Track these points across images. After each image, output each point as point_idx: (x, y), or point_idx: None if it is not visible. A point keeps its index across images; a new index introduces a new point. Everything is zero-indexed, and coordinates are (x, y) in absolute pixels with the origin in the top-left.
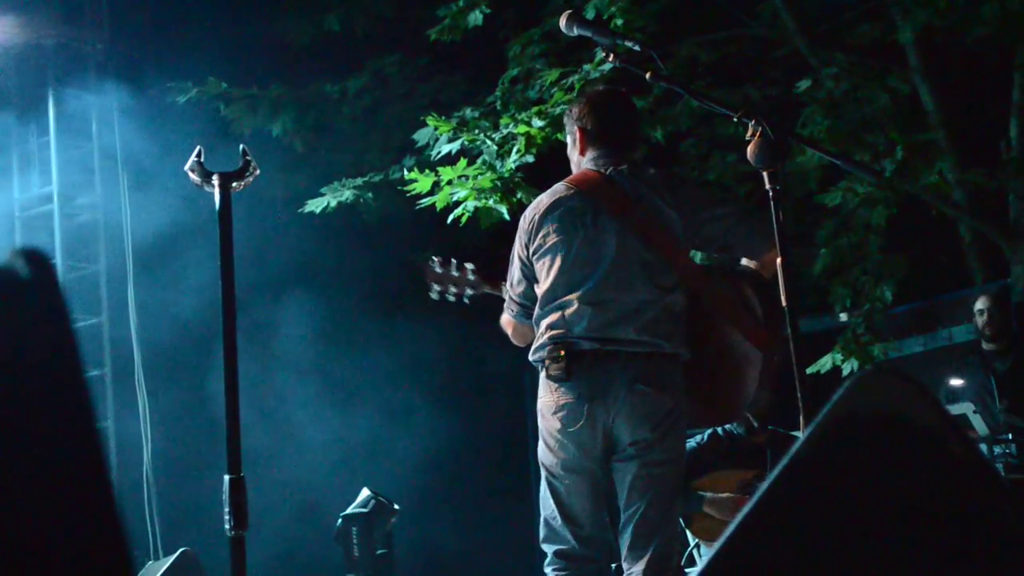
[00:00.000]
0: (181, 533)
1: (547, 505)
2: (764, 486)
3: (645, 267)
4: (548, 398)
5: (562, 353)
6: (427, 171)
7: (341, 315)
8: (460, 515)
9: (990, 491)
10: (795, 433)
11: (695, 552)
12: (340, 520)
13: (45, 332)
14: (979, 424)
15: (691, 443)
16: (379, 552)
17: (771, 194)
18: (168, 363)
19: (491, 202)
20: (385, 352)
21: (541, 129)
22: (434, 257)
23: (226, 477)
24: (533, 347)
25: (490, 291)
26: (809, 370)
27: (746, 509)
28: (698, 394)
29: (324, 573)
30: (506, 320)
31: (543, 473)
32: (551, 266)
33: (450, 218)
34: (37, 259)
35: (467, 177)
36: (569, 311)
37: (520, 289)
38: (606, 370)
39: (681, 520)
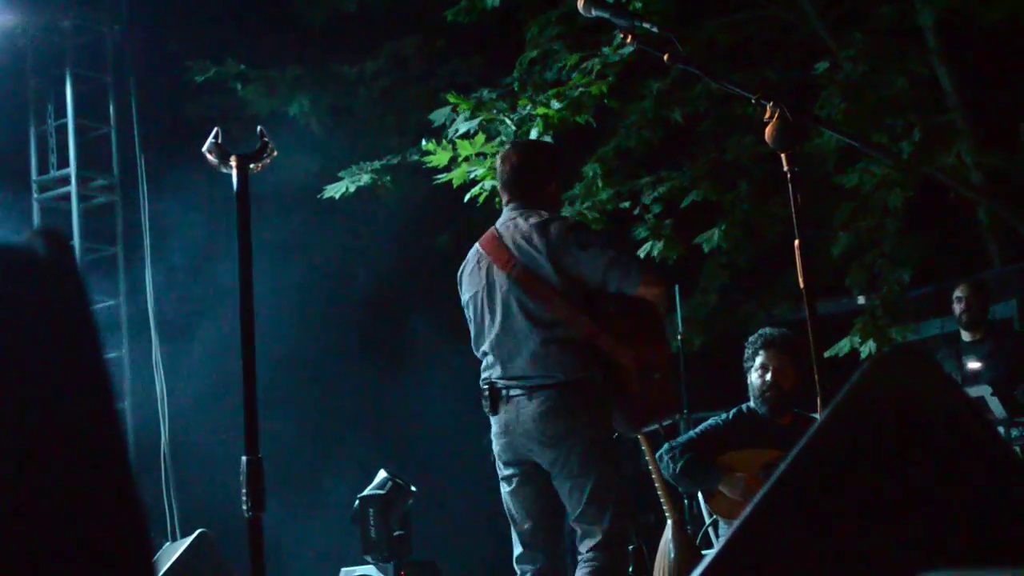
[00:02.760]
0: (198, 514)
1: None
2: (782, 467)
3: (525, 311)
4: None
5: (487, 394)
6: (445, 143)
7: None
8: (477, 496)
9: (1007, 472)
10: (815, 415)
11: (710, 531)
12: (357, 502)
13: (64, 314)
14: (996, 406)
15: (716, 420)
16: (396, 533)
17: (788, 176)
18: (185, 345)
19: None
20: (402, 342)
21: (559, 111)
22: None
23: (243, 458)
24: None
25: None
26: (827, 353)
27: (765, 489)
28: (633, 398)
29: (341, 555)
30: None
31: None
32: (471, 319)
33: (467, 196)
34: (56, 240)
35: (485, 155)
36: (487, 360)
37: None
38: (516, 404)
39: (700, 496)
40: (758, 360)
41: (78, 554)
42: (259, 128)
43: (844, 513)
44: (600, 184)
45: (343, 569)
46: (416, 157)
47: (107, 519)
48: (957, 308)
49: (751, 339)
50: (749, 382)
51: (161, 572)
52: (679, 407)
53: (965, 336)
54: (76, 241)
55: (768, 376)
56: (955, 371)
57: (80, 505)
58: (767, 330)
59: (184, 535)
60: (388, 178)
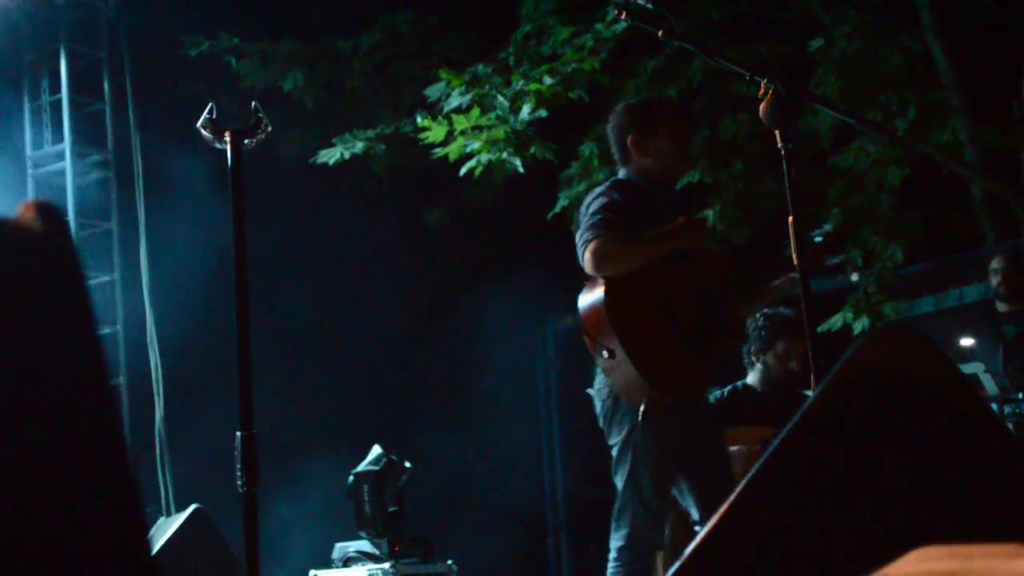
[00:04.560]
0: (193, 490)
1: None
2: (775, 443)
3: None
4: None
5: None
6: (440, 118)
7: (349, 274)
8: (473, 472)
9: (1001, 448)
10: (809, 392)
11: None
12: (352, 477)
13: (59, 289)
14: (989, 383)
15: (711, 398)
16: (390, 510)
17: (783, 152)
18: (180, 321)
19: (505, 155)
20: (397, 309)
21: (551, 87)
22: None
23: (238, 434)
24: None
25: None
26: (820, 328)
27: (757, 465)
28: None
29: (336, 530)
30: None
31: None
32: None
33: (463, 170)
34: (51, 215)
35: (480, 129)
36: None
37: None
38: None
39: None
40: (780, 345)
41: (73, 531)
42: (253, 103)
43: (837, 489)
44: (597, 163)
45: (337, 544)
46: (410, 128)
47: (102, 496)
48: (994, 280)
49: (762, 321)
50: (762, 362)
51: (156, 548)
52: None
53: (1001, 307)
54: (71, 216)
55: (792, 364)
56: (995, 341)
57: (75, 482)
58: (783, 312)
59: (179, 510)
60: (382, 147)
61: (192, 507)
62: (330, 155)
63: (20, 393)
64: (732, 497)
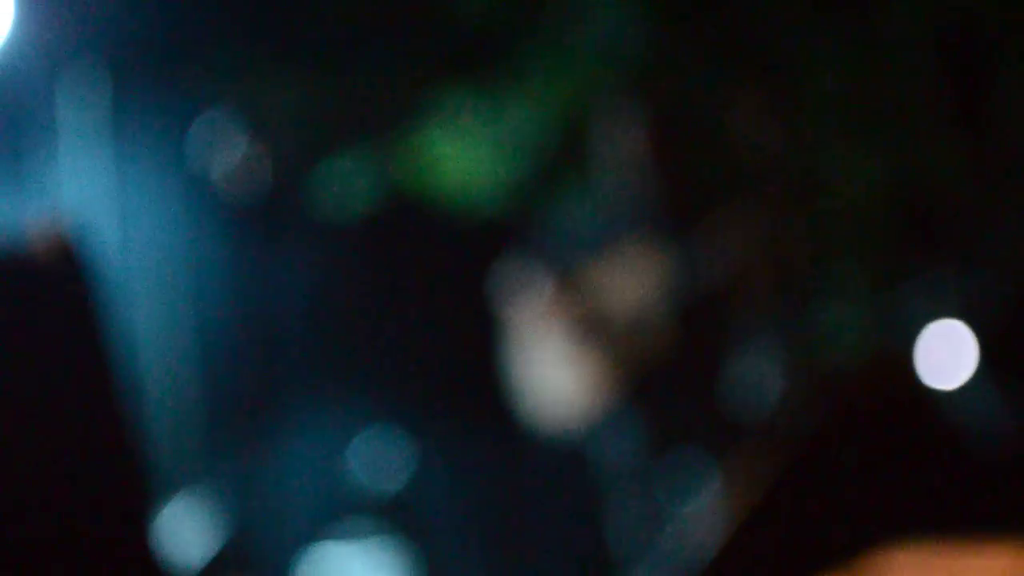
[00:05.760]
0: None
1: None
2: (766, 467)
3: None
4: None
5: None
6: (437, 143)
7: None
8: (475, 455)
9: (966, 448)
10: None
11: None
12: (350, 456)
13: (71, 311)
14: None
15: None
16: (393, 490)
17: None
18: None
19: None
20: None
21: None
22: None
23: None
24: None
25: None
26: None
27: (750, 495)
28: None
29: (337, 510)
30: None
31: None
32: None
33: (460, 192)
34: (59, 246)
35: (473, 147)
36: None
37: None
38: None
39: None
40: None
41: (89, 541)
42: (244, 122)
43: (811, 488)
44: None
45: (330, 523)
46: (404, 146)
47: (114, 510)
48: None
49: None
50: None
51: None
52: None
53: None
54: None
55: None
56: None
57: (89, 499)
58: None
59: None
60: (376, 169)
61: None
62: (326, 178)
63: (33, 412)
64: (729, 520)
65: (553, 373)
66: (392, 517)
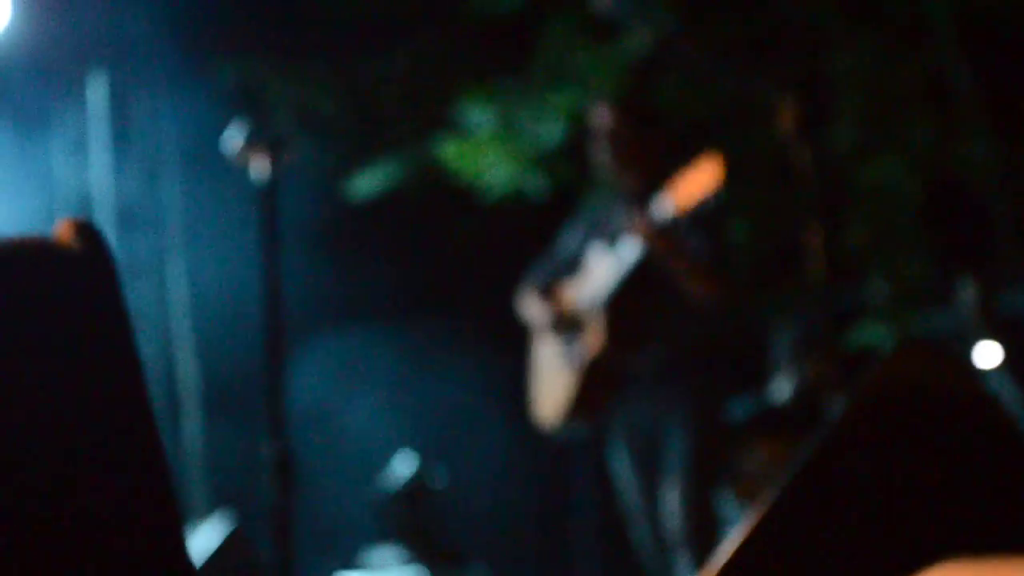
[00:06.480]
0: (225, 500)
1: None
2: (800, 459)
3: None
4: None
5: None
6: (466, 143)
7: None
8: (506, 486)
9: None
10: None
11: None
12: (385, 489)
13: (98, 306)
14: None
15: (740, 413)
16: (424, 523)
17: (802, 168)
18: (217, 330)
19: (531, 177)
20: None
21: (576, 105)
22: None
23: (269, 444)
24: None
25: None
26: (845, 345)
27: (784, 481)
28: None
29: (367, 536)
30: None
31: None
32: None
33: (489, 194)
34: (89, 232)
35: (506, 151)
36: None
37: None
38: None
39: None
40: (811, 363)
41: (112, 541)
42: (282, 122)
43: (862, 503)
44: None
45: (365, 549)
46: (435, 153)
47: (141, 508)
48: None
49: (794, 336)
50: (792, 380)
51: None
52: None
53: None
54: (106, 229)
55: (817, 379)
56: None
57: (114, 494)
58: (814, 329)
59: (211, 522)
60: (411, 173)
61: (226, 522)
62: (359, 187)
63: (61, 409)
64: (759, 513)
65: (559, 377)
66: (422, 545)
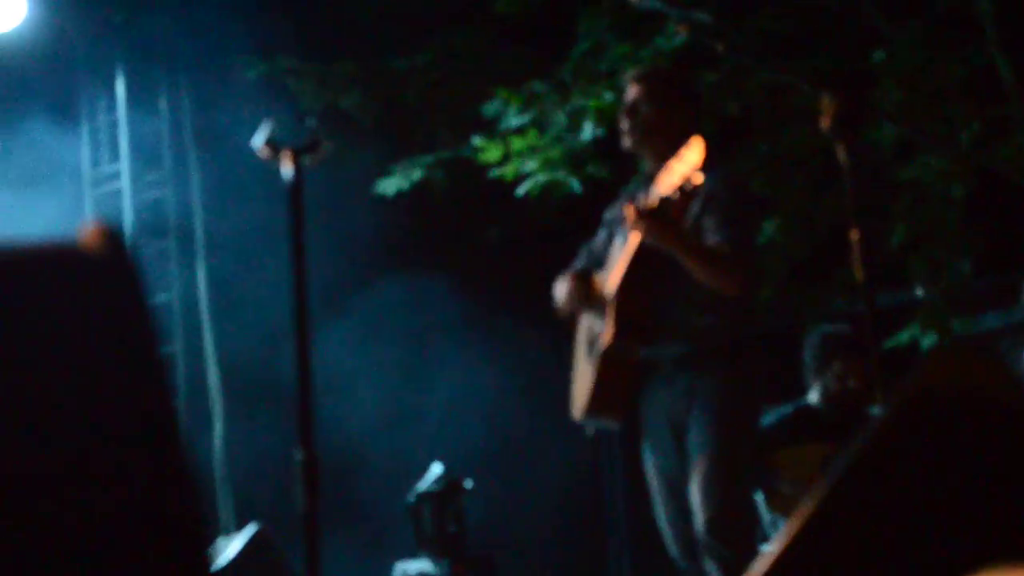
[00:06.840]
0: (253, 510)
1: None
2: (840, 465)
3: None
4: None
5: None
6: (496, 139)
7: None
8: (533, 494)
9: None
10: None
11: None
12: (412, 497)
13: (122, 311)
14: None
15: (775, 417)
16: (451, 530)
17: (845, 166)
18: (240, 340)
19: (561, 175)
20: (461, 331)
21: (611, 104)
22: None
23: (297, 453)
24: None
25: None
26: (887, 344)
27: (822, 488)
28: None
29: (395, 550)
30: None
31: None
32: None
33: (519, 190)
34: (112, 237)
35: (538, 149)
36: None
37: None
38: None
39: (760, 495)
40: (837, 364)
41: (136, 551)
42: (311, 122)
43: (903, 510)
44: None
45: (397, 564)
46: (467, 151)
47: (163, 516)
48: None
49: (818, 340)
50: (820, 381)
51: (217, 569)
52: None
53: None
54: (128, 235)
55: (850, 383)
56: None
57: (136, 502)
58: (837, 330)
59: (237, 528)
60: (440, 173)
61: (253, 528)
62: (388, 185)
63: (84, 415)
64: (799, 520)
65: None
66: (457, 559)
